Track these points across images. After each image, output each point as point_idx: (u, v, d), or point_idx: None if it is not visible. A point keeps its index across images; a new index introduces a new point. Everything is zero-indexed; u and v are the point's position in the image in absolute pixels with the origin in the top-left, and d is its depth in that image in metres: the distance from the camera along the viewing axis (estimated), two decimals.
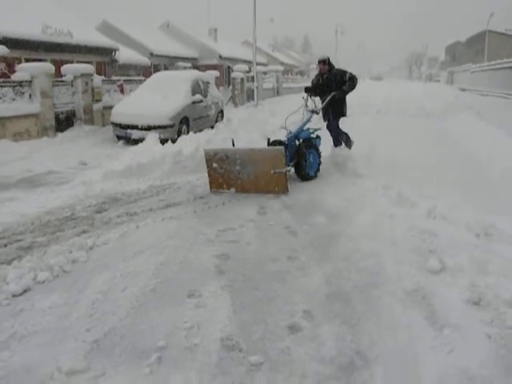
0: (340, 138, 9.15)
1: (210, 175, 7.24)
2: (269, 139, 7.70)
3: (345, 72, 8.74)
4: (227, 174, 7.10)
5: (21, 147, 11.68)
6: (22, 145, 11.95)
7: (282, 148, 6.87)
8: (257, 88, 23.92)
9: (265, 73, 31.92)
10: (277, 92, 33.43)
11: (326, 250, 4.87)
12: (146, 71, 25.56)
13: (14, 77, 13.02)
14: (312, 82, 9.21)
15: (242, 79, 25.50)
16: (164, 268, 4.49)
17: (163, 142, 11.00)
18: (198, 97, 13.77)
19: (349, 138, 9.34)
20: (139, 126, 12.35)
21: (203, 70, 19.85)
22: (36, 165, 9.97)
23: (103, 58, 22.69)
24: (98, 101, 15.61)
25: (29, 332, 3.47)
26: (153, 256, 4.78)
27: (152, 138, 11.18)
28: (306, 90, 9.04)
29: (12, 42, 16.52)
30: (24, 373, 3.00)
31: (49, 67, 13.60)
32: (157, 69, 27.55)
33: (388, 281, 4.13)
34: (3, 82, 12.62)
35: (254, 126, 13.54)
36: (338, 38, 58.46)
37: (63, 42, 19.25)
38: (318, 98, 9.04)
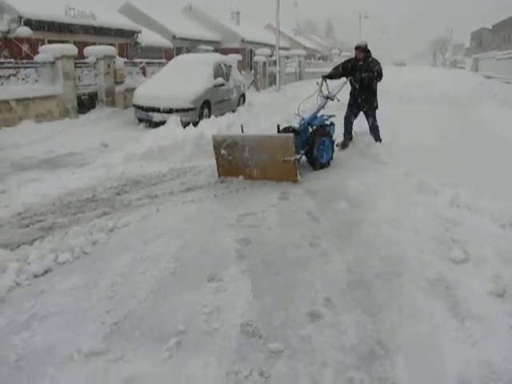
0: (378, 133, 8.73)
1: (218, 162, 7.05)
2: (279, 126, 7.32)
3: (376, 64, 8.35)
4: (235, 161, 6.90)
5: (43, 128, 11.76)
6: (45, 126, 12.02)
7: (291, 135, 6.58)
8: (279, 72, 23.69)
9: (287, 57, 31.62)
10: (299, 77, 33.15)
11: (348, 237, 4.80)
12: (168, 54, 25.51)
13: (37, 58, 13.07)
14: (340, 65, 8.78)
15: (265, 63, 25.30)
16: (184, 251, 4.48)
17: (185, 125, 10.98)
18: (220, 80, 13.68)
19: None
20: (161, 109, 12.33)
21: (225, 54, 19.72)
22: (58, 146, 10.03)
23: (126, 41, 22.69)
24: (120, 83, 15.62)
25: (49, 313, 3.48)
26: (173, 239, 4.76)
27: (173, 121, 11.17)
28: (328, 77, 8.54)
29: (35, 24, 16.59)
30: (44, 353, 3.02)
31: (71, 49, 13.62)
32: (179, 52, 27.49)
33: (410, 269, 4.06)
34: (27, 63, 12.68)
35: (276, 111, 13.43)
36: (362, 22, 57.61)
37: (86, 23, 19.28)
38: (332, 83, 8.52)
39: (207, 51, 27.95)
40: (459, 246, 4.42)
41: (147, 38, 24.34)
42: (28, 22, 16.30)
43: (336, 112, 8.84)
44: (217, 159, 7.03)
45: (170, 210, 5.65)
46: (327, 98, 8.09)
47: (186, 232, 4.96)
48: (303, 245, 4.63)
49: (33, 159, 8.94)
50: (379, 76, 8.25)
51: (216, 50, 29.42)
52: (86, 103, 14.30)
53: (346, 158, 8.16)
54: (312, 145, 7.43)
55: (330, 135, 7.90)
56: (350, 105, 8.84)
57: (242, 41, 35.05)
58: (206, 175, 7.33)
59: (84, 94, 14.30)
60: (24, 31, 15.89)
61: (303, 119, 7.73)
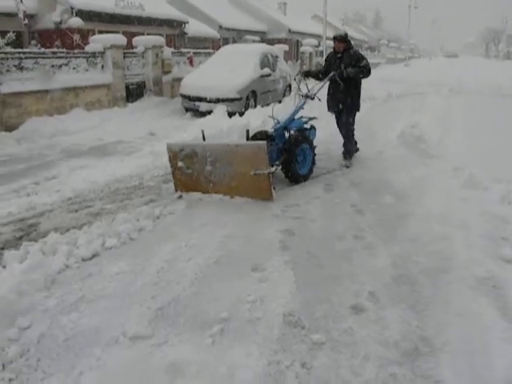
0: (348, 143, 7.50)
1: (174, 176, 5.90)
2: (248, 131, 5.81)
3: (362, 58, 7.07)
4: (196, 176, 5.73)
5: (93, 116, 12.01)
6: (94, 114, 12.27)
7: (263, 143, 5.32)
8: None
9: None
10: None
11: (394, 231, 4.74)
12: (215, 44, 25.60)
13: (88, 48, 13.34)
14: (325, 60, 7.66)
15: (311, 54, 25.14)
16: (228, 241, 4.51)
17: (231, 114, 11.02)
18: (267, 70, 13.66)
19: (355, 143, 7.80)
20: (207, 99, 12.41)
21: (272, 44, 19.65)
22: (107, 134, 10.24)
23: (173, 31, 22.87)
24: (168, 72, 15.78)
25: (96, 296, 3.57)
26: (218, 228, 4.80)
27: (220, 110, 11.23)
28: (307, 74, 7.39)
29: (86, 15, 16.90)
30: (91, 334, 3.10)
31: (121, 39, 13.83)
32: (225, 42, 27.54)
33: (458, 266, 3.97)
34: (78, 52, 12.96)
35: (321, 102, 13.31)
36: (411, 12, 56.35)
37: (135, 14, 19.51)
38: (313, 81, 7.37)
39: (254, 41, 27.92)
40: (509, 244, 4.30)
41: (194, 28, 24.46)
42: (79, 13, 16.62)
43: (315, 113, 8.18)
44: (173, 173, 5.90)
45: (215, 199, 5.69)
46: (306, 97, 6.91)
47: (231, 222, 5.00)
48: (347, 237, 4.60)
49: (82, 146, 9.16)
50: (367, 72, 7.02)
51: (262, 41, 29.36)
52: (134, 92, 14.52)
53: (392, 151, 8.03)
54: (288, 153, 6.22)
55: (309, 141, 6.71)
56: (329, 108, 7.57)
57: (289, 31, 34.82)
58: None
59: (132, 84, 14.52)
60: (75, 22, 16.21)
61: (278, 122, 6.63)
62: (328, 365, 2.79)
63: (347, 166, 7.23)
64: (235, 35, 30.39)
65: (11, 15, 14.61)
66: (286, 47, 22.26)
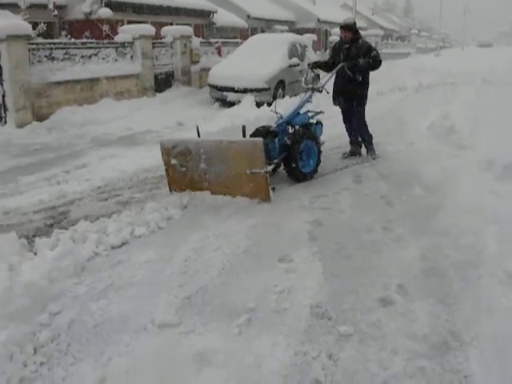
0: (365, 135, 7.22)
1: (168, 174, 5.58)
2: (244, 127, 5.32)
3: (371, 49, 6.84)
4: (190, 174, 5.41)
5: (122, 106, 12.12)
6: (123, 104, 12.38)
7: (259, 140, 5.05)
8: None
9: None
10: None
11: (424, 223, 4.67)
12: (243, 34, 25.52)
13: (117, 38, 13.45)
14: (332, 49, 7.33)
15: None
16: (256, 231, 4.51)
17: (259, 104, 11.00)
18: (295, 60, 13.57)
19: (359, 144, 7.40)
20: (235, 89, 12.40)
21: (300, 34, 19.50)
22: (136, 123, 10.33)
23: (201, 21, 22.87)
24: (196, 62, 15.80)
25: (125, 283, 3.62)
26: (245, 218, 4.81)
27: (248, 100, 11.22)
28: (314, 65, 7.01)
29: (115, 5, 17.01)
30: (120, 321, 3.14)
31: (150, 29, 13.90)
32: (254, 32, 27.43)
33: (489, 260, 3.89)
34: (107, 43, 13.06)
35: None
36: (443, 1, 55.29)
37: (164, 4, 19.56)
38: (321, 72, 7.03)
39: (282, 31, 27.75)
40: None
41: (223, 18, 24.42)
42: (109, 4, 16.73)
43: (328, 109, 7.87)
44: (166, 171, 5.58)
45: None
46: (313, 89, 6.53)
47: (259, 212, 5.00)
48: (376, 229, 4.56)
49: (112, 136, 9.26)
50: (377, 63, 6.81)
51: (291, 30, 29.15)
52: (162, 82, 14.59)
53: (422, 142, 7.90)
54: (291, 150, 5.86)
55: (315, 137, 6.31)
56: (336, 102, 7.23)
57: (318, 21, 34.49)
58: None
59: (161, 73, 14.59)
60: (105, 12, 16.33)
61: (281, 117, 6.27)
62: (355, 357, 2.77)
63: (373, 158, 7.06)
64: (263, 25, 30.25)
65: (42, 7, 14.79)
66: (314, 37, 22.06)
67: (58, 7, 15.45)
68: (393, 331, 3.00)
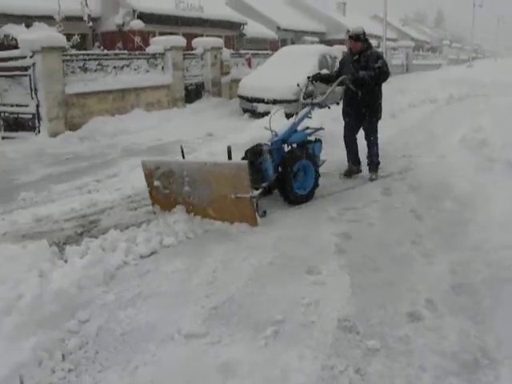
0: (373, 155, 6.74)
1: (151, 196, 5.32)
2: (229, 148, 4.97)
3: (378, 59, 6.27)
4: (174, 197, 5.11)
5: (152, 116, 12.27)
6: (154, 114, 12.53)
7: (244, 163, 4.70)
8: None
9: (394, 49, 30.78)
10: (406, 69, 32.16)
11: (454, 238, 4.59)
12: (273, 45, 25.65)
13: (149, 49, 13.65)
14: (340, 62, 6.93)
15: None
16: (283, 242, 4.50)
17: (288, 116, 10.99)
18: (325, 72, 13.53)
19: (359, 162, 6.92)
20: (265, 100, 12.43)
21: (330, 45, 19.49)
22: (166, 134, 10.43)
23: (232, 32, 23.07)
24: (226, 74, 15.93)
25: (153, 292, 3.65)
26: (272, 230, 4.80)
27: (277, 112, 11.21)
28: (315, 78, 6.66)
29: (147, 17, 17.31)
30: (147, 330, 3.16)
31: (181, 40, 14.08)
32: (284, 43, 27.54)
33: None
34: (139, 54, 13.27)
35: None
36: (476, 11, 54.61)
37: (195, 16, 19.81)
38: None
39: (312, 42, 27.79)
40: None
41: (253, 29, 24.60)
42: (141, 16, 17.05)
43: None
44: (150, 192, 5.32)
45: (269, 201, 5.68)
46: (313, 104, 6.15)
47: (286, 223, 4.99)
48: (405, 243, 4.50)
49: (142, 146, 9.37)
50: (383, 74, 6.24)
51: (321, 42, 29.19)
52: (192, 93, 14.74)
53: (454, 155, 7.79)
54: (285, 170, 5.49)
55: (312, 156, 5.92)
56: (345, 115, 6.80)
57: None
58: None
59: (191, 84, 14.74)
60: (137, 24, 16.64)
61: (276, 135, 5.79)
62: (382, 372, 2.73)
63: (372, 179, 6.59)
64: (293, 36, 30.36)
65: (77, 19, 15.13)
66: (344, 48, 22.03)
67: (92, 19, 15.77)
68: (421, 347, 2.95)
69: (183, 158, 5.24)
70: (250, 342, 3.00)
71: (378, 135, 6.72)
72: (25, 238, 4.76)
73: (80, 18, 15.16)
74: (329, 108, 6.43)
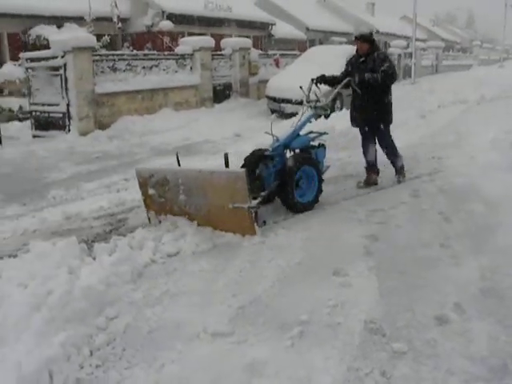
0: (394, 158, 6.46)
1: (146, 204, 5.12)
2: (227, 155, 4.73)
3: (385, 61, 5.95)
4: (169, 206, 4.90)
5: (180, 116, 12.37)
6: (182, 114, 12.64)
7: (242, 171, 4.43)
8: (414, 65, 22.86)
9: (424, 49, 30.42)
10: (436, 69, 31.79)
11: (483, 241, 4.51)
12: (301, 46, 25.60)
13: (177, 50, 13.76)
14: (346, 64, 6.50)
15: (400, 55, 24.57)
16: (310, 243, 4.49)
17: (316, 117, 10.95)
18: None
19: (377, 171, 6.53)
20: (293, 101, 12.40)
21: None
22: (193, 134, 10.51)
23: (260, 33, 23.12)
24: (254, 74, 15.96)
25: (180, 291, 3.67)
26: (300, 230, 4.79)
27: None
28: (319, 80, 6.25)
29: (176, 18, 17.47)
30: (174, 328, 3.19)
31: (209, 41, 14.16)
32: (312, 43, 27.48)
33: None
34: (167, 54, 13.39)
35: (410, 105, 12.97)
36: (507, 11, 53.57)
37: (223, 16, 19.91)
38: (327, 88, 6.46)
39: (340, 43, 27.66)
40: None
41: (281, 29, 24.62)
42: (170, 16, 17.21)
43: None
44: (144, 201, 5.12)
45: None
46: (316, 108, 5.89)
47: (313, 224, 4.97)
48: (433, 245, 4.44)
49: (170, 145, 9.46)
50: (388, 77, 5.90)
51: (349, 42, 29.04)
52: (220, 93, 14.81)
53: (484, 156, 7.66)
54: (286, 177, 5.19)
55: (315, 162, 5.62)
56: (352, 120, 6.57)
57: (377, 32, 34.21)
58: (335, 168, 7.24)
59: (219, 85, 14.81)
60: (166, 25, 16.81)
61: (277, 140, 5.56)
62: (409, 375, 2.70)
63: (399, 182, 6.41)
64: (322, 36, 30.26)
65: (107, 20, 15.35)
66: None
67: (122, 20, 15.99)
68: (448, 351, 2.90)
69: (179, 165, 4.98)
70: (275, 342, 3.00)
71: (395, 139, 6.52)
72: (54, 235, 4.85)
73: (110, 19, 15.39)
74: (334, 111, 6.10)
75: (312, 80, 6.19)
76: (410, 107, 12.62)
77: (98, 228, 5.09)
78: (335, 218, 5.18)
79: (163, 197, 4.89)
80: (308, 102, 5.96)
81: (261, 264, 4.08)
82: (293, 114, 11.46)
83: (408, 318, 3.25)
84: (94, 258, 3.98)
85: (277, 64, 17.39)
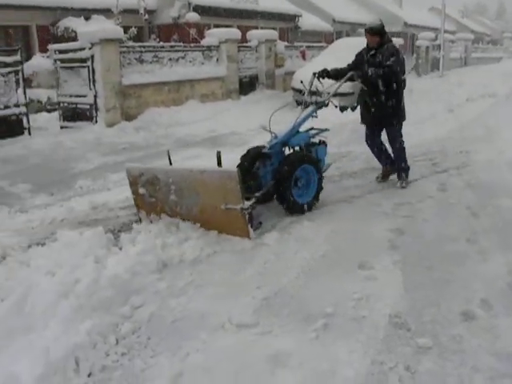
0: (400, 161, 6.08)
1: (136, 204, 4.94)
2: (219, 153, 4.45)
3: (392, 56, 5.55)
4: (160, 206, 4.71)
5: (207, 108, 12.39)
6: (208, 106, 12.66)
7: (234, 171, 4.15)
8: (443, 57, 22.56)
9: (452, 41, 29.97)
10: (464, 62, 31.30)
11: (511, 236, 4.44)
12: (328, 38, 25.42)
13: (204, 42, 13.78)
14: (356, 56, 6.09)
15: (427, 47, 24.25)
16: (336, 236, 4.48)
17: (342, 109, 10.89)
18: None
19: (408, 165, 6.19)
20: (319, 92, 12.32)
21: None
22: (219, 125, 10.53)
23: (286, 24, 23.01)
24: (281, 66, 15.91)
25: (205, 282, 3.68)
26: (325, 223, 4.78)
27: (331, 105, 11.14)
28: (321, 73, 6.01)
29: (203, 10, 17.48)
30: (198, 318, 3.20)
31: (235, 33, 14.15)
32: (339, 36, 27.26)
33: None
34: (194, 46, 13.42)
35: (438, 98, 12.82)
36: None
37: (249, 8, 19.86)
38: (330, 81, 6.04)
39: None
40: None
41: (307, 21, 24.45)
42: (196, 8, 17.23)
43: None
44: (135, 200, 4.93)
45: (323, 194, 5.64)
46: (317, 103, 5.62)
47: (339, 217, 4.96)
48: (460, 240, 4.38)
49: (196, 137, 9.49)
50: (394, 74, 5.58)
51: None
52: (246, 85, 14.80)
53: (510, 151, 7.52)
54: (283, 177, 4.89)
55: (315, 161, 5.32)
56: (362, 118, 6.25)
57: (405, 24, 33.78)
58: (361, 161, 7.21)
59: (245, 77, 14.80)
60: (192, 17, 16.84)
61: (276, 137, 5.34)
62: (434, 371, 2.67)
63: (403, 187, 5.97)
64: (348, 29, 30.00)
65: (133, 12, 15.44)
66: (400, 41, 21.61)
67: (148, 12, 16.06)
68: (474, 347, 2.86)
69: (170, 164, 4.77)
70: (300, 334, 3.00)
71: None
72: (81, 224, 4.91)
73: (136, 11, 15.47)
74: (336, 107, 6.19)
75: (314, 74, 5.95)
76: (438, 100, 12.46)
77: (125, 218, 5.14)
78: (360, 211, 5.15)
79: (154, 196, 4.73)
80: (309, 97, 5.74)
81: (286, 256, 4.08)
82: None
83: (433, 313, 3.21)
84: (120, 248, 4.02)
85: (303, 56, 17.30)
